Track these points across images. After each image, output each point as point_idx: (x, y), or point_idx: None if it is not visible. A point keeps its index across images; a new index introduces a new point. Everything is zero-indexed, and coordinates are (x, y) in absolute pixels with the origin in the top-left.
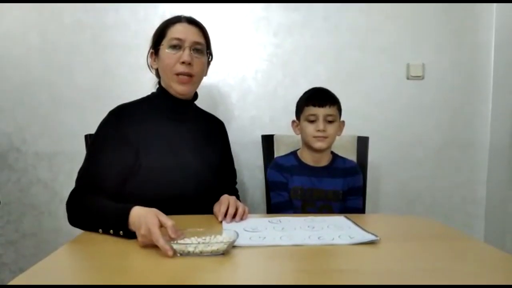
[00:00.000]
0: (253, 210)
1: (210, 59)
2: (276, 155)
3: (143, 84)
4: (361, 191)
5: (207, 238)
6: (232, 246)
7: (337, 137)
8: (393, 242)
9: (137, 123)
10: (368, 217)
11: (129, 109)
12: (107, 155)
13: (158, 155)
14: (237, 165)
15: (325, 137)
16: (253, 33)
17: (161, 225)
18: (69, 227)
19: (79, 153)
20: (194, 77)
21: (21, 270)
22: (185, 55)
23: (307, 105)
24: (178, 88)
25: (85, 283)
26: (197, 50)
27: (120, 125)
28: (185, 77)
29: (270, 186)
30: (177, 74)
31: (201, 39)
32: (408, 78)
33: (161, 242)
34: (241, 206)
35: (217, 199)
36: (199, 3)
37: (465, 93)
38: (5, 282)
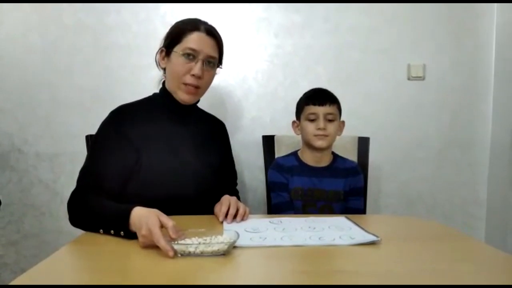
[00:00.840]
0: (253, 211)
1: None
2: (276, 155)
3: (144, 85)
4: (362, 191)
5: (208, 239)
6: (233, 247)
7: (338, 138)
8: (394, 243)
9: (138, 124)
10: (369, 217)
11: (131, 110)
12: (108, 156)
13: (159, 156)
14: (237, 166)
15: (326, 136)
16: (254, 34)
17: (162, 226)
18: (70, 227)
19: (80, 153)
20: (200, 88)
21: (22, 271)
22: (197, 68)
23: (307, 104)
24: (183, 97)
25: (86, 284)
26: (209, 63)
27: (121, 126)
28: (192, 88)
29: (271, 187)
30: (185, 84)
31: (215, 53)
32: (408, 79)
33: (162, 242)
34: (241, 207)
35: (217, 199)
36: (200, 3)
37: (466, 94)
38: (6, 282)
